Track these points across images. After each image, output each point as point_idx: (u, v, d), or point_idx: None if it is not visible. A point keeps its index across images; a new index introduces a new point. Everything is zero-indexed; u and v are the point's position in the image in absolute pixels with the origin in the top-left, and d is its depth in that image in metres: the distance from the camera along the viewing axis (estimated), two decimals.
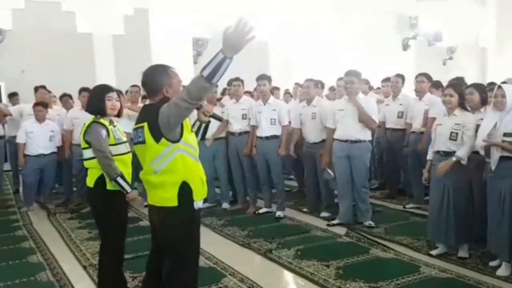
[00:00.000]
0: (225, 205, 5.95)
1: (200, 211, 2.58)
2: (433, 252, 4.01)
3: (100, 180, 2.97)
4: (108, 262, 3.10)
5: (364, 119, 4.84)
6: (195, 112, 2.73)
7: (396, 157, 5.97)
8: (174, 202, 2.39)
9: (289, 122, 6.17)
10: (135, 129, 2.49)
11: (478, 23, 13.93)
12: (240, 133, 5.69)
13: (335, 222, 5.09)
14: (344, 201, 5.08)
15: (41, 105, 5.76)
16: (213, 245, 4.45)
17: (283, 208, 5.56)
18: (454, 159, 3.73)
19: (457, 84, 4.10)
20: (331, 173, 5.07)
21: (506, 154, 3.45)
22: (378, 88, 7.70)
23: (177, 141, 2.35)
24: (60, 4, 10.93)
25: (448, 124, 3.84)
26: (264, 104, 5.47)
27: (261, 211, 5.63)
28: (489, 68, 14.75)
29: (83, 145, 3.08)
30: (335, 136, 5.01)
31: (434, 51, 13.71)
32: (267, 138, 5.42)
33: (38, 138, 5.79)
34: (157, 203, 2.46)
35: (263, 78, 5.48)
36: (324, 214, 5.40)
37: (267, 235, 4.71)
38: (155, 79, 2.46)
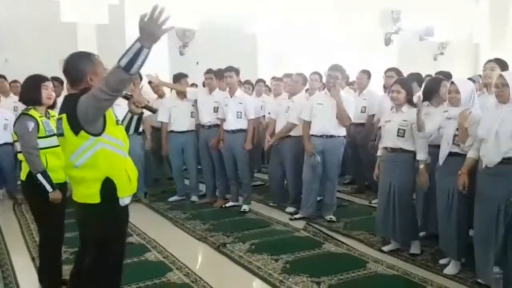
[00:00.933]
0: (194, 198, 5.94)
1: (127, 208, 2.51)
2: (385, 248, 4.00)
3: (32, 174, 2.93)
4: (45, 255, 3.09)
5: (341, 115, 4.82)
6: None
7: (359, 152, 5.99)
8: (96, 199, 2.32)
9: (263, 116, 6.20)
10: (57, 120, 2.44)
11: (471, 18, 13.81)
12: (210, 126, 5.67)
13: (297, 216, 5.08)
14: (309, 195, 5.07)
15: None
16: (169, 239, 4.46)
17: (249, 202, 5.55)
18: (421, 166, 3.70)
19: (405, 80, 4.06)
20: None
21: (455, 150, 3.42)
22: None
23: (99, 134, 2.29)
24: None
25: (396, 120, 3.81)
26: (231, 97, 5.43)
27: (227, 205, 5.62)
28: (482, 63, 14.60)
29: (14, 137, 3.06)
30: (311, 132, 4.97)
31: (424, 46, 13.60)
32: (233, 131, 5.40)
33: None
34: (79, 199, 2.39)
35: (230, 70, 5.44)
36: (289, 209, 5.38)
37: (227, 229, 4.70)
38: (78, 66, 2.38)
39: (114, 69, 2.04)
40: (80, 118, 2.22)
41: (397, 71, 5.72)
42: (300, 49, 11.64)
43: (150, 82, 6.33)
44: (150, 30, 1.99)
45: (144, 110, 2.73)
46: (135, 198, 5.88)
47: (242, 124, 5.40)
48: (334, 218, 4.96)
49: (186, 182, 6.15)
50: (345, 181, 6.93)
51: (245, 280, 3.56)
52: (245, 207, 5.44)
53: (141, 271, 3.66)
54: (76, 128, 2.25)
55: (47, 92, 3.05)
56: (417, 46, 13.12)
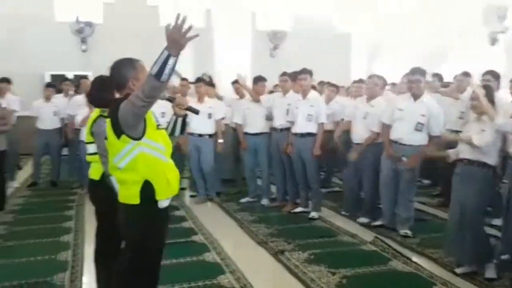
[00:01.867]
0: (264, 202, 5.88)
1: (167, 209, 2.51)
2: (458, 270, 3.59)
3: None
4: (102, 243, 3.19)
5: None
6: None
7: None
8: (135, 200, 2.37)
9: (342, 119, 5.97)
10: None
11: None
12: (282, 129, 5.57)
13: (377, 223, 4.84)
14: (387, 203, 4.78)
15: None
16: (231, 240, 4.47)
17: (318, 209, 5.35)
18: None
19: (487, 87, 3.58)
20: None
21: None
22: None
23: (139, 138, 2.33)
24: None
25: (476, 130, 3.39)
26: (303, 99, 5.28)
27: (296, 210, 5.47)
28: None
29: (88, 139, 3.18)
30: (389, 137, 4.70)
31: None
32: (302, 135, 5.24)
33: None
34: (121, 200, 2.46)
35: (304, 72, 5.28)
36: (362, 219, 5.08)
37: (289, 235, 4.57)
38: (121, 72, 2.44)
39: (147, 77, 2.08)
40: (122, 123, 2.28)
41: (494, 74, 5.12)
42: (397, 48, 11.12)
43: (233, 83, 6.44)
44: (175, 39, 2.00)
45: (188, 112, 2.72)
46: (209, 197, 6.03)
47: (312, 128, 5.22)
48: (409, 233, 4.59)
49: (260, 183, 6.12)
50: (434, 192, 6.42)
51: None
52: (313, 214, 5.25)
53: (195, 271, 3.70)
54: (118, 132, 2.32)
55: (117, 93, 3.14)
56: None
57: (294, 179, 5.52)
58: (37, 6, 10.79)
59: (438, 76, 6.68)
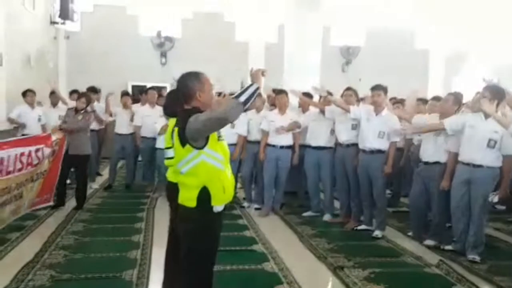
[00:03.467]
0: (326, 217, 5.85)
1: (221, 214, 2.64)
2: None
3: None
4: (170, 254, 3.37)
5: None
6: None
7: None
8: (193, 203, 2.56)
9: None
10: (172, 132, 2.73)
11: None
12: (348, 145, 5.55)
13: (447, 247, 4.68)
14: (460, 230, 4.61)
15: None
16: (290, 252, 4.50)
17: (383, 228, 5.24)
18: None
19: None
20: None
21: None
22: None
23: (201, 148, 2.52)
24: (222, 15, 12.09)
25: None
26: (376, 115, 5.22)
27: (360, 227, 5.40)
28: None
29: (168, 144, 3.41)
30: (459, 158, 4.56)
31: None
32: (371, 152, 5.18)
33: None
34: (180, 201, 2.65)
35: (378, 88, 5.22)
36: (428, 242, 4.90)
37: (350, 252, 4.52)
38: (187, 84, 2.63)
39: (235, 104, 2.44)
40: (188, 136, 2.50)
41: None
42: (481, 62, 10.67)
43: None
44: (258, 77, 2.61)
45: None
46: (273, 208, 6.11)
47: (382, 145, 5.15)
48: (477, 259, 4.37)
49: (323, 197, 6.10)
50: (510, 218, 6.06)
51: None
52: (377, 233, 5.16)
53: (253, 278, 3.80)
54: (183, 141, 2.54)
55: None
56: None
57: (359, 196, 5.46)
58: (124, 21, 11.62)
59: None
